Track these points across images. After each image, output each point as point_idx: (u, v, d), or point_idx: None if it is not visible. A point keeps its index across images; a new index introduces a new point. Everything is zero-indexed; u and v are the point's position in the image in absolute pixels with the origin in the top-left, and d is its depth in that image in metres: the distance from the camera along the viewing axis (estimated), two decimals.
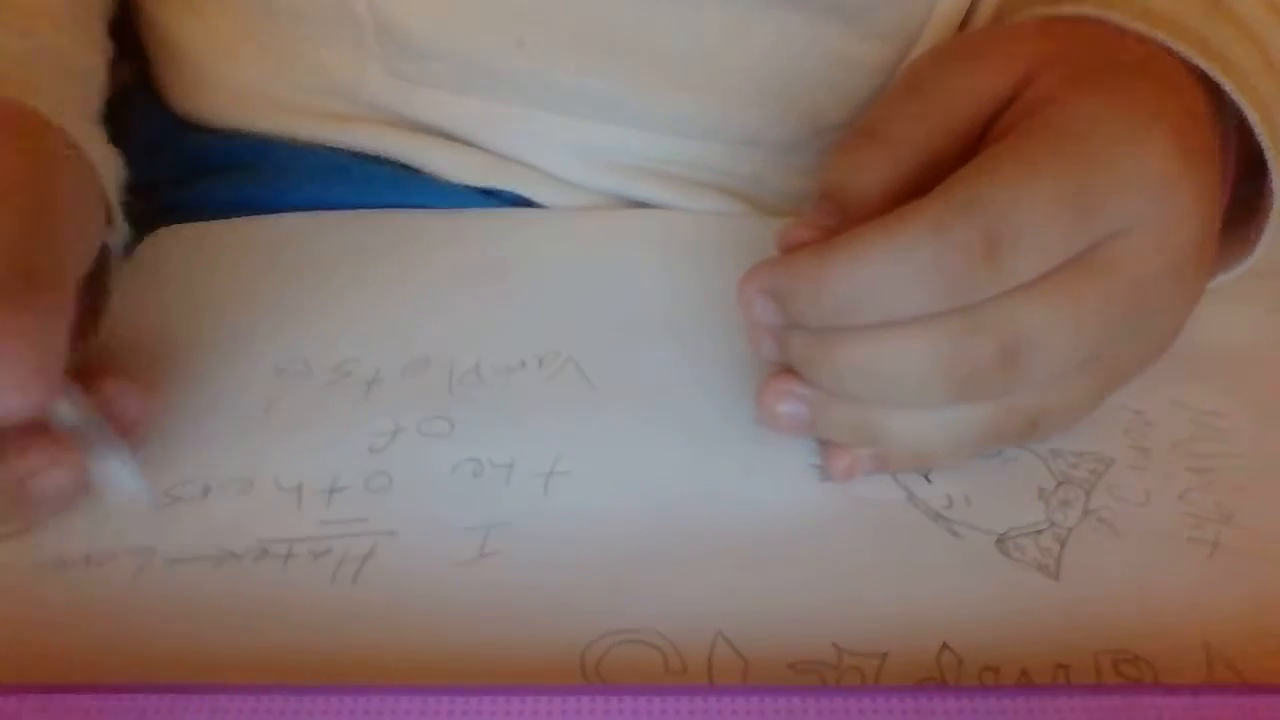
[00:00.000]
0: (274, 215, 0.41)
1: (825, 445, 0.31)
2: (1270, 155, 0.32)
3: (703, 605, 0.28)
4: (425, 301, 0.38)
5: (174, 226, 0.42)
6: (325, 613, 0.28)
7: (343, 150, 0.42)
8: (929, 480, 0.32)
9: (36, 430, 0.29)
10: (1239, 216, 0.34)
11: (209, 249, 0.41)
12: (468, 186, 0.42)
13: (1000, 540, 0.30)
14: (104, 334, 0.36)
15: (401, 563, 0.30)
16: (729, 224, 0.41)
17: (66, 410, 0.29)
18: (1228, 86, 0.31)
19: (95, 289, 0.35)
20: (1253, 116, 0.31)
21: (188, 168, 0.44)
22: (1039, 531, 0.30)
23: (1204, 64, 0.31)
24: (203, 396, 0.34)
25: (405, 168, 0.42)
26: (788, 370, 0.30)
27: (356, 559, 0.30)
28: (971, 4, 0.37)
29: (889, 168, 0.29)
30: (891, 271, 0.27)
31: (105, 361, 0.34)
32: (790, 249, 0.29)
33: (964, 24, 0.38)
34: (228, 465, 0.32)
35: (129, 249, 0.39)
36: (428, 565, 0.29)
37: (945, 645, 0.28)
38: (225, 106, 0.44)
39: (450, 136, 0.42)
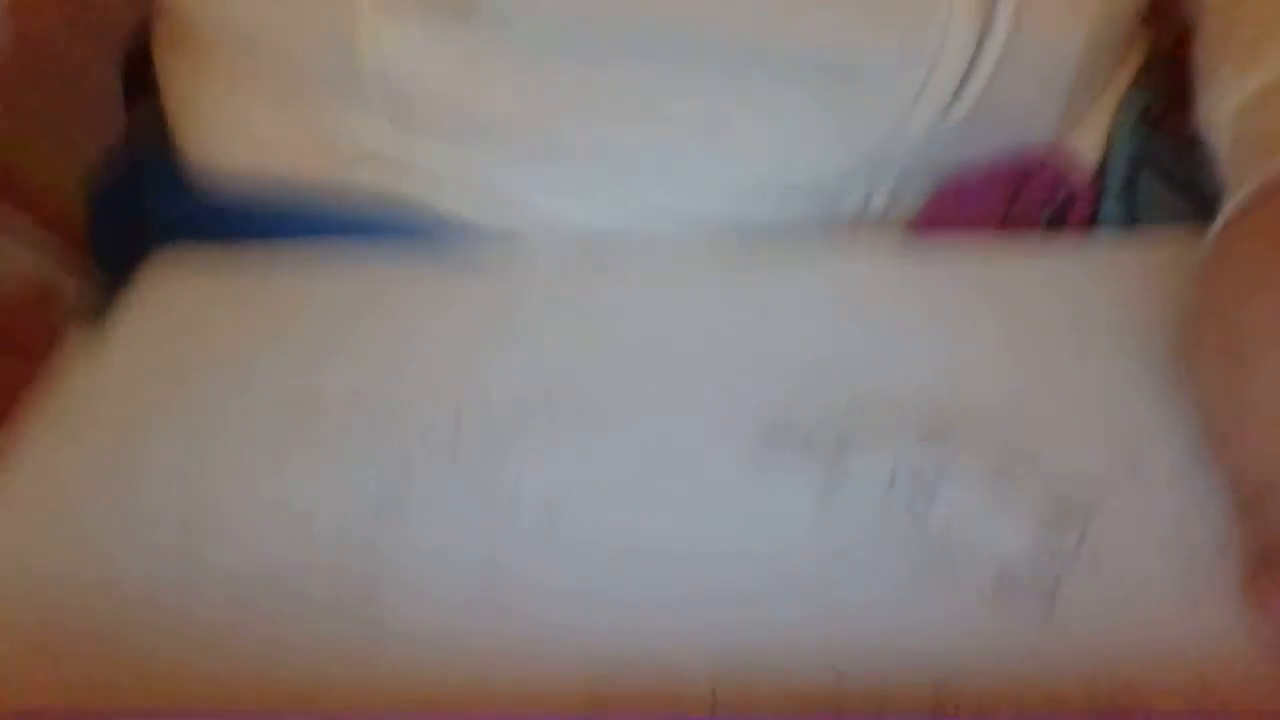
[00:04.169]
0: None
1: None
2: None
3: (704, 637, 0.29)
4: (434, 334, 0.38)
5: (175, 248, 0.42)
6: (332, 640, 0.29)
7: (355, 193, 0.43)
8: (929, 503, 0.32)
9: None
10: None
11: (212, 273, 0.41)
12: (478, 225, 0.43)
13: (998, 571, 0.30)
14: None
15: (407, 592, 0.30)
16: (731, 252, 0.42)
17: None
18: None
19: None
20: None
21: (205, 219, 0.44)
22: (1036, 562, 0.30)
23: None
24: (210, 424, 0.35)
25: (415, 207, 0.43)
26: None
27: (363, 588, 0.30)
28: (974, 56, 0.38)
29: None
30: None
31: None
32: None
33: (966, 78, 0.38)
34: (238, 494, 0.33)
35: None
36: (433, 595, 0.30)
37: (943, 679, 0.28)
38: (236, 154, 0.44)
39: (458, 183, 0.43)
